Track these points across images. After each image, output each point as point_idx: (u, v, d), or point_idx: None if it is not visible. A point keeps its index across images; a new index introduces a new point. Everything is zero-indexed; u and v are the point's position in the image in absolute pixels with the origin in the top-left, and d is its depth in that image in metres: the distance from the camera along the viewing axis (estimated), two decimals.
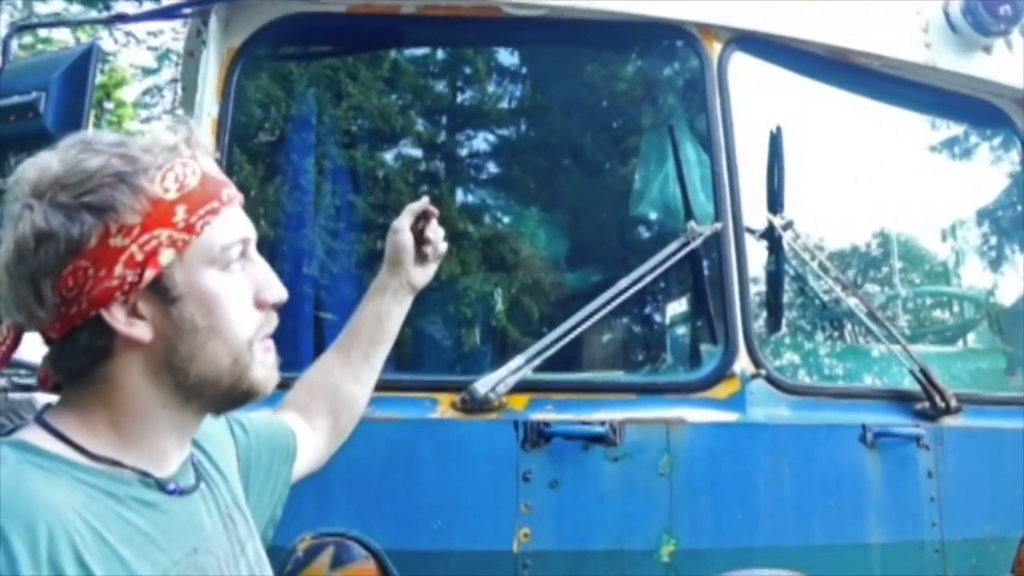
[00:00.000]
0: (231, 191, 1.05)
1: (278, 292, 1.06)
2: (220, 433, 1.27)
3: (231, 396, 1.04)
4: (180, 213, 0.99)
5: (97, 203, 0.96)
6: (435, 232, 1.55)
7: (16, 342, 1.03)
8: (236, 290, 1.02)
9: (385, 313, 1.55)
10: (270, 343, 1.06)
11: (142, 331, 0.98)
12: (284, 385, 1.78)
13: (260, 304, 1.04)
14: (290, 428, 1.44)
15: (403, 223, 1.55)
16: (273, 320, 1.06)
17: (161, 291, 0.99)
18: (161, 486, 1.02)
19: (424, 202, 1.53)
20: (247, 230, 1.05)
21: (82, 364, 1.00)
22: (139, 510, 0.98)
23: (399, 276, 1.55)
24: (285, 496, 1.40)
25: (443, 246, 1.58)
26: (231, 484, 1.21)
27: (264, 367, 1.05)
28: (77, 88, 2.15)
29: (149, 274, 0.97)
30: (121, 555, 0.93)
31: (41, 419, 1.01)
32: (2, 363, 1.06)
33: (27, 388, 2.11)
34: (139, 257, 0.97)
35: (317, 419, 1.51)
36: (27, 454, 0.95)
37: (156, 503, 1.01)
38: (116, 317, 0.97)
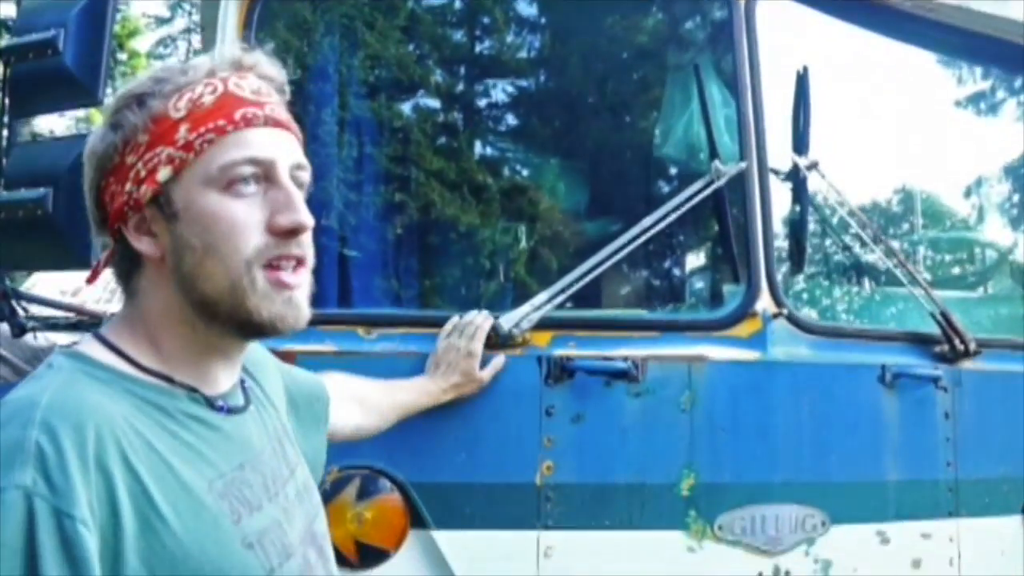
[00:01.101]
0: (251, 112, 1.03)
1: (292, 218, 1.03)
2: (274, 374, 1.32)
3: (240, 322, 1.04)
4: (182, 132, 1.01)
5: (115, 122, 1.04)
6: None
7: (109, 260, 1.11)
8: (239, 212, 1.01)
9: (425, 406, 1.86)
10: (287, 276, 1.04)
11: (148, 246, 1.03)
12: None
13: (272, 228, 1.02)
14: (327, 395, 1.51)
15: (478, 348, 1.88)
16: (288, 247, 1.03)
17: (163, 208, 1.02)
18: (210, 403, 1.06)
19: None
20: (265, 152, 1.03)
21: (122, 273, 1.07)
22: (187, 424, 1.02)
23: (456, 390, 1.87)
24: (323, 461, 1.48)
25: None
26: (281, 415, 1.25)
27: (270, 300, 1.02)
28: (96, 24, 2.12)
29: (145, 190, 1.01)
30: (169, 462, 0.96)
31: (97, 333, 1.06)
32: (95, 277, 1.17)
33: (53, 326, 2.13)
34: (142, 174, 1.02)
35: (354, 410, 1.65)
36: (81, 363, 1.00)
37: (204, 418, 1.05)
38: (130, 231, 1.03)
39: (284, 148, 1.06)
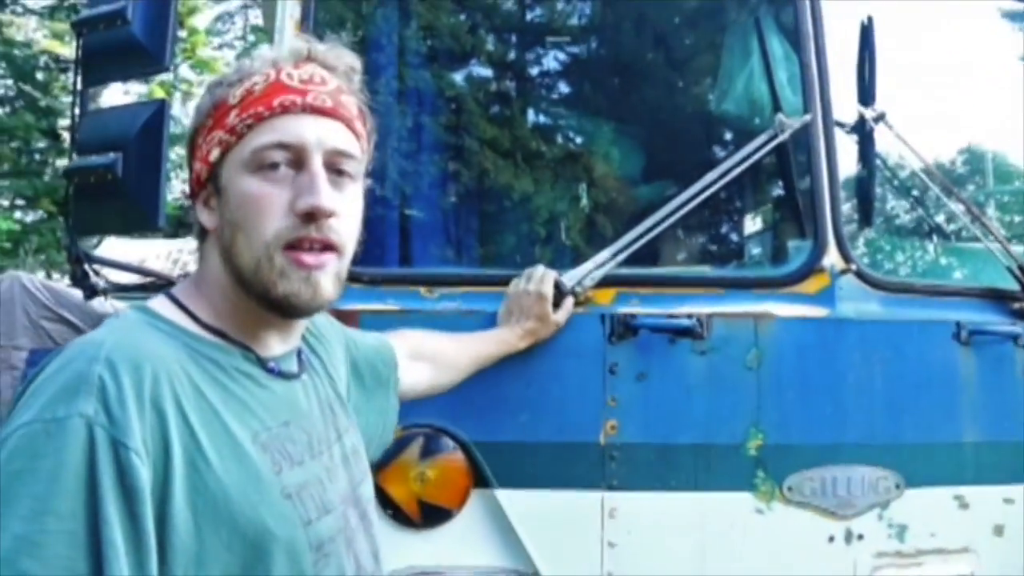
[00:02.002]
0: (290, 99, 1.07)
1: (309, 201, 1.05)
2: (335, 343, 1.37)
3: (260, 297, 1.07)
4: (232, 117, 1.08)
5: (196, 109, 1.14)
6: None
7: None
8: (265, 193, 1.06)
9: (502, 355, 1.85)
10: (306, 257, 1.06)
11: (206, 219, 1.11)
12: (359, 279, 1.86)
13: (294, 211, 1.05)
14: (394, 360, 1.55)
15: (548, 290, 1.84)
16: (307, 230, 1.05)
17: (215, 185, 1.10)
18: (262, 363, 1.11)
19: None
20: (295, 137, 1.06)
21: (197, 241, 1.16)
22: (238, 379, 1.07)
23: (531, 336, 1.85)
24: (394, 422, 1.53)
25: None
26: (336, 383, 1.30)
27: (286, 278, 1.05)
28: None
29: (202, 169, 1.10)
30: (217, 411, 1.02)
31: (168, 291, 1.14)
32: None
33: (124, 290, 2.17)
34: (203, 154, 1.10)
35: (426, 367, 1.68)
36: (147, 316, 1.07)
37: (256, 377, 1.10)
38: (198, 204, 1.13)
39: (321, 134, 1.08)
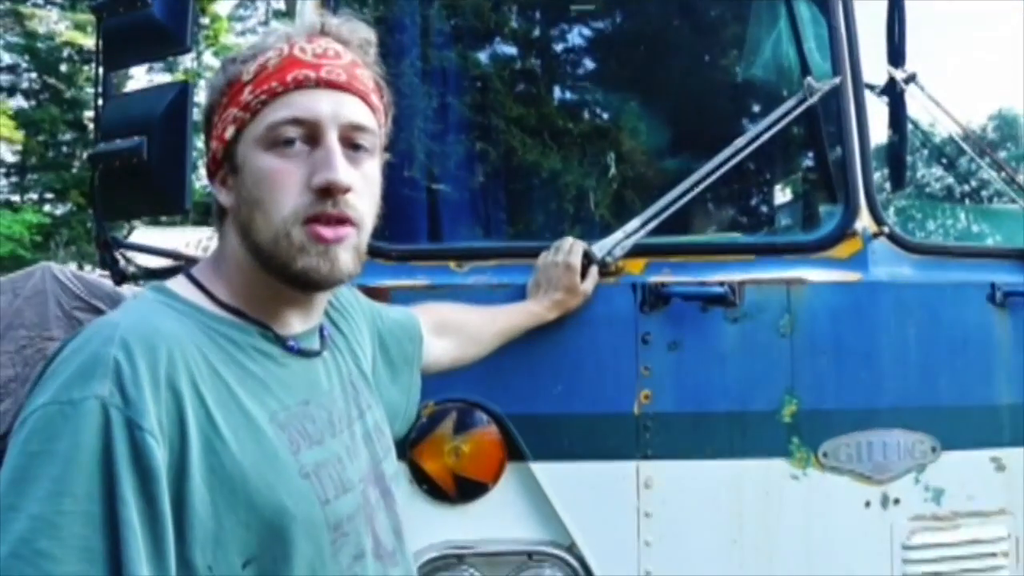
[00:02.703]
0: (303, 74, 1.06)
1: (325, 176, 1.04)
2: (360, 318, 1.36)
3: (279, 272, 1.07)
4: (246, 94, 1.07)
5: (209, 87, 1.13)
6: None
7: None
8: (281, 170, 1.05)
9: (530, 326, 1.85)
10: (324, 230, 1.05)
11: (224, 197, 1.11)
12: (388, 256, 1.85)
13: (310, 187, 1.04)
14: (419, 334, 1.55)
15: (576, 261, 1.83)
16: (324, 206, 1.05)
17: (231, 163, 1.09)
18: (280, 341, 1.11)
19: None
20: (309, 112, 1.05)
21: (216, 220, 1.16)
22: (256, 358, 1.07)
23: (560, 307, 1.85)
24: (417, 398, 1.54)
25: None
26: (359, 360, 1.29)
27: (305, 252, 1.05)
28: None
29: (218, 147, 1.10)
30: (233, 390, 1.02)
31: (187, 271, 1.14)
32: None
33: (153, 274, 2.18)
34: (219, 132, 1.10)
35: (452, 341, 1.69)
36: (164, 296, 1.08)
37: (274, 355, 1.10)
38: (216, 183, 1.12)
39: (336, 109, 1.07)
